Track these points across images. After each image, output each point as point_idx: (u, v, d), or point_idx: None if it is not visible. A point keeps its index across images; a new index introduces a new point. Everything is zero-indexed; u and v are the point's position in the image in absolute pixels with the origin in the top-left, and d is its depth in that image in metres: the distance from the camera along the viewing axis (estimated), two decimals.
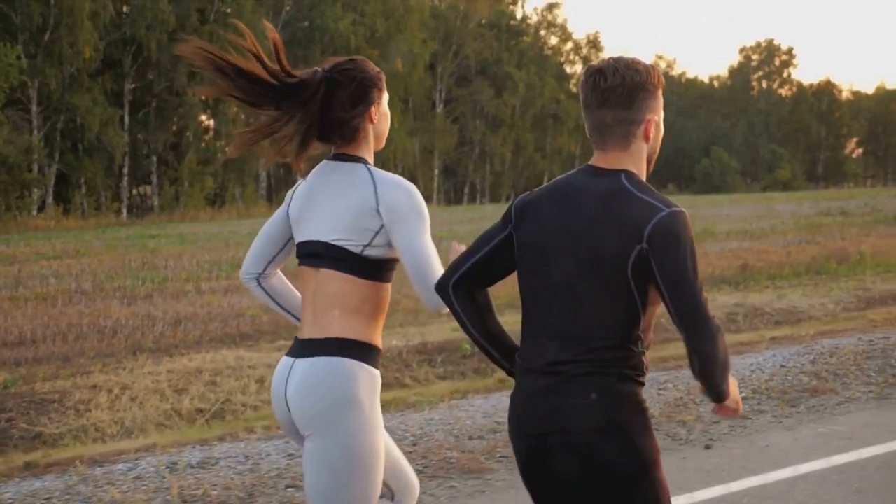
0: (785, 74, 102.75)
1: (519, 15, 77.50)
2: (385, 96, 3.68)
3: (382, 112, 3.66)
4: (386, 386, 9.70)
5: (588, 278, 3.01)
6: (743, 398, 8.21)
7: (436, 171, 68.42)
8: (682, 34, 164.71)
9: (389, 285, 3.62)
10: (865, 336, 10.60)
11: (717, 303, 13.33)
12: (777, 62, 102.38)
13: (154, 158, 51.37)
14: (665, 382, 8.70)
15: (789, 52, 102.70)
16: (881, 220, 28.65)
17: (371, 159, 3.65)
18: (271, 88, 3.55)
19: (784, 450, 6.80)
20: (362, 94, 3.57)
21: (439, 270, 3.42)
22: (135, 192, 54.65)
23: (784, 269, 16.64)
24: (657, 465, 3.04)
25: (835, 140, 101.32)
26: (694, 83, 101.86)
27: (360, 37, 58.59)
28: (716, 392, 3.02)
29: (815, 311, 13.22)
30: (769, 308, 13.18)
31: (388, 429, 7.59)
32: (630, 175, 3.08)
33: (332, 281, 3.48)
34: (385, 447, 3.62)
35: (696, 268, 2.96)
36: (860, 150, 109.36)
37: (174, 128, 53.07)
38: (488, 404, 8.01)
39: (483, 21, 71.59)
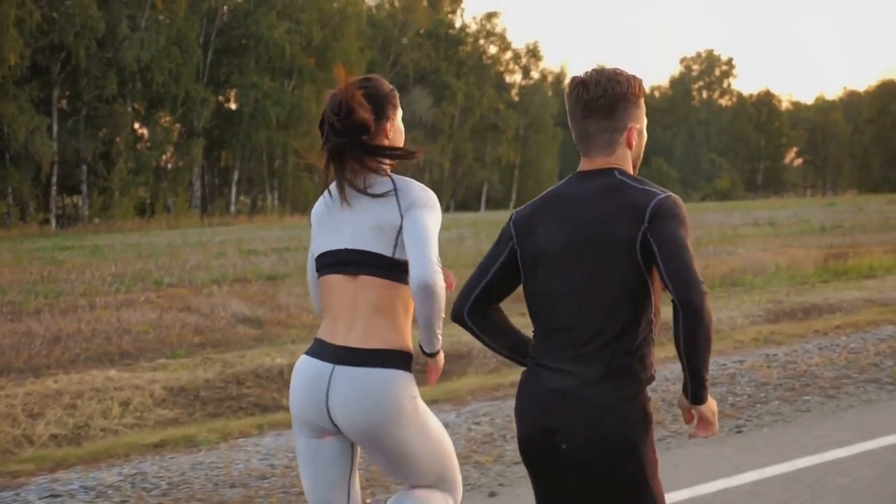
0: (725, 85, 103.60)
1: (458, 24, 77.31)
2: (399, 112, 3.81)
3: (397, 127, 3.79)
4: (262, 407, 9.38)
5: (601, 268, 3.14)
6: None
7: None
8: (623, 44, 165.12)
9: None
10: (720, 359, 9.78)
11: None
12: (717, 72, 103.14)
13: (84, 167, 50.48)
14: (483, 415, 7.92)
15: (729, 62, 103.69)
16: (807, 231, 28.59)
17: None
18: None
19: None
20: (378, 111, 3.67)
21: (433, 252, 3.48)
22: (68, 201, 53.83)
23: None
24: (655, 476, 3.20)
25: (774, 150, 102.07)
26: None
27: (295, 45, 58.18)
28: (699, 378, 3.11)
29: (722, 325, 12.92)
30: None
31: (148, 474, 6.73)
32: (622, 171, 3.24)
33: (372, 287, 3.57)
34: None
35: (688, 237, 3.08)
36: (800, 160, 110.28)
37: (104, 136, 52.12)
38: (276, 442, 7.36)
39: (421, 30, 71.28)
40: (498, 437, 7.29)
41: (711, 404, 3.21)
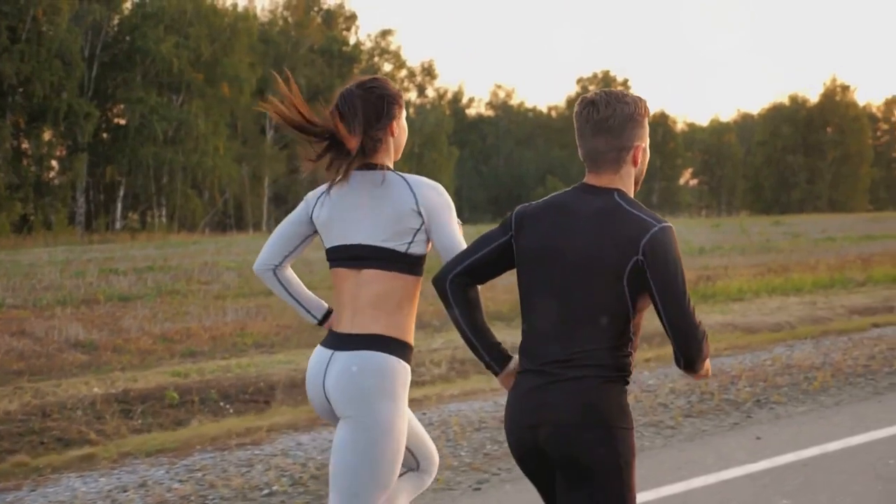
0: None
1: (352, 41, 76.76)
2: (403, 112, 4.04)
3: (402, 126, 4.03)
4: (64, 442, 8.67)
5: (586, 285, 3.33)
6: (269, 493, 6.63)
7: (265, 199, 67.09)
8: (520, 64, 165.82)
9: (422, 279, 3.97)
10: (501, 399, 8.78)
11: None
12: None
13: None
14: (197, 470, 7.01)
15: (625, 83, 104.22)
16: (685, 252, 28.34)
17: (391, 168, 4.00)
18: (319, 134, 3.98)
19: None
20: (384, 110, 3.92)
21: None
22: None
23: None
24: (631, 468, 3.34)
25: (670, 170, 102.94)
26: (532, 113, 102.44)
27: (183, 60, 57.17)
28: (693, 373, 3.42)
29: None
30: None
31: None
32: (622, 193, 3.44)
33: (377, 280, 3.82)
34: (409, 422, 4.01)
35: (684, 279, 3.31)
36: (695, 181, 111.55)
37: None
38: None
39: (315, 46, 70.56)
40: (196, 499, 6.46)
41: (706, 365, 3.44)
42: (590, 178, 3.50)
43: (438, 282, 3.63)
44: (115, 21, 59.08)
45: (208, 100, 59.41)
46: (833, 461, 7.07)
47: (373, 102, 3.91)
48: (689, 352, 3.30)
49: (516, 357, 3.57)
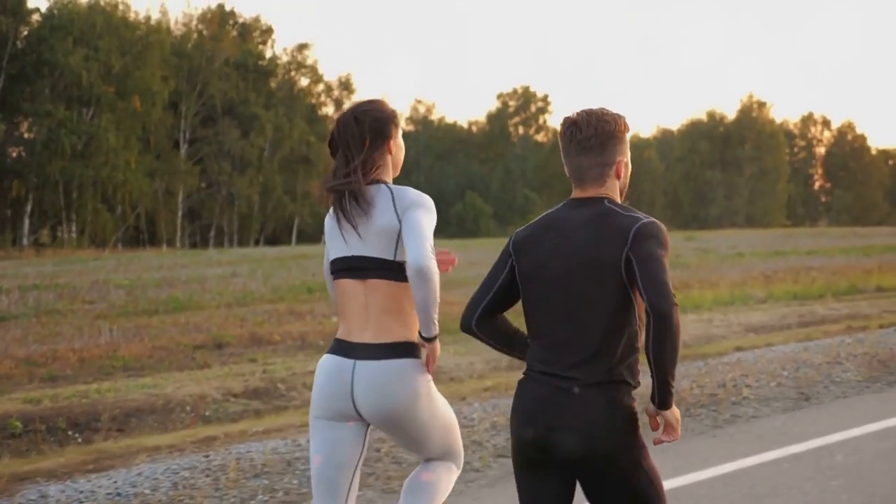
0: (541, 121, 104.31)
1: (268, 55, 76.01)
2: (399, 131, 4.21)
3: (398, 144, 4.20)
4: None
5: (591, 287, 3.48)
6: None
7: (179, 214, 66.12)
8: (441, 79, 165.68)
9: None
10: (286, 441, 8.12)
11: None
12: (533, 108, 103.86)
13: None
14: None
15: (545, 99, 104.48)
16: None
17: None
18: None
19: None
20: (381, 129, 4.09)
21: (427, 242, 3.87)
22: None
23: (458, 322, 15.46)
24: (647, 458, 3.52)
25: None
26: (453, 128, 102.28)
27: (93, 73, 56.27)
28: (666, 384, 3.41)
29: (460, 372, 12.15)
30: None
31: None
32: (611, 199, 3.62)
33: (382, 288, 3.99)
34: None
35: (665, 256, 3.43)
36: None
37: None
38: None
39: (230, 60, 69.73)
40: None
41: (675, 411, 3.52)
42: (576, 193, 3.68)
43: (466, 330, 3.81)
44: (24, 33, 58.07)
45: (119, 113, 58.54)
46: None
47: (369, 125, 4.07)
48: (661, 308, 3.30)
49: None
